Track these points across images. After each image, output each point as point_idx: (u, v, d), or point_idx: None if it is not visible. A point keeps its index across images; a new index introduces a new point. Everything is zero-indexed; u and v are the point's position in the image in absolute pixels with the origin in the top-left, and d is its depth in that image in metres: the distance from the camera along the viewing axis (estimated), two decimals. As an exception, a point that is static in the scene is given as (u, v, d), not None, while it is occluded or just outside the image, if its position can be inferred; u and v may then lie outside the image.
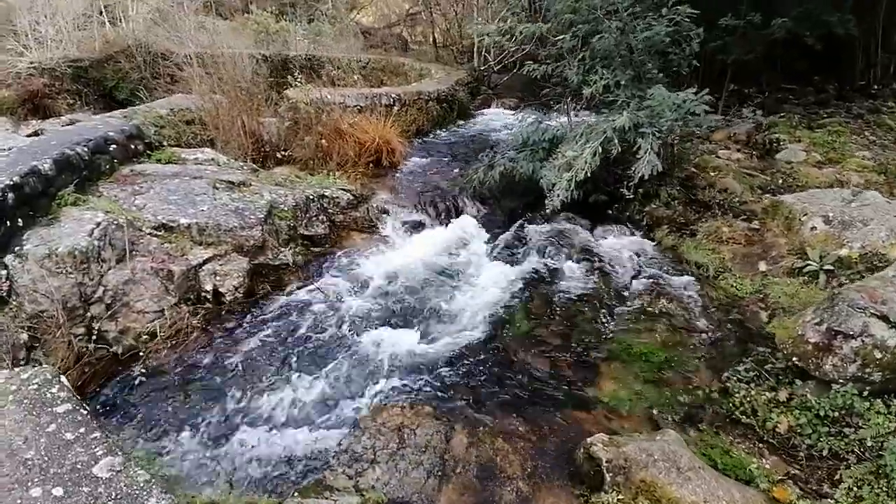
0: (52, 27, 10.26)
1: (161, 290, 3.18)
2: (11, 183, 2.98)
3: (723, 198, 4.99)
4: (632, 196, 4.20)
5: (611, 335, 3.39)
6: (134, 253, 3.17)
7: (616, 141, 4.11)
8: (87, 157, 3.53)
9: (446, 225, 4.90)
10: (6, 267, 2.75)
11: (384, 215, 4.91)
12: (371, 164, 5.86)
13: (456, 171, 6.06)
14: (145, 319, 3.09)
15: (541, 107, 8.92)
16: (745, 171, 5.74)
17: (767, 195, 5.13)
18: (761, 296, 3.78)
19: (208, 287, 3.39)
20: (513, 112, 9.46)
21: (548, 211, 4.63)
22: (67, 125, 9.36)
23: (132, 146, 4.06)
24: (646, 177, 3.97)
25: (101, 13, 11.59)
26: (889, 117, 6.91)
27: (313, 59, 10.71)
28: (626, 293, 3.77)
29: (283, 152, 5.68)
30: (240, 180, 4.11)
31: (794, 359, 2.72)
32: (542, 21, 5.37)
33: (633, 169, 4.02)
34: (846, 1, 6.77)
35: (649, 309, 3.56)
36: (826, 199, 4.33)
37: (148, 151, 4.22)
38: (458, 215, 5.13)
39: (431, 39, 13.14)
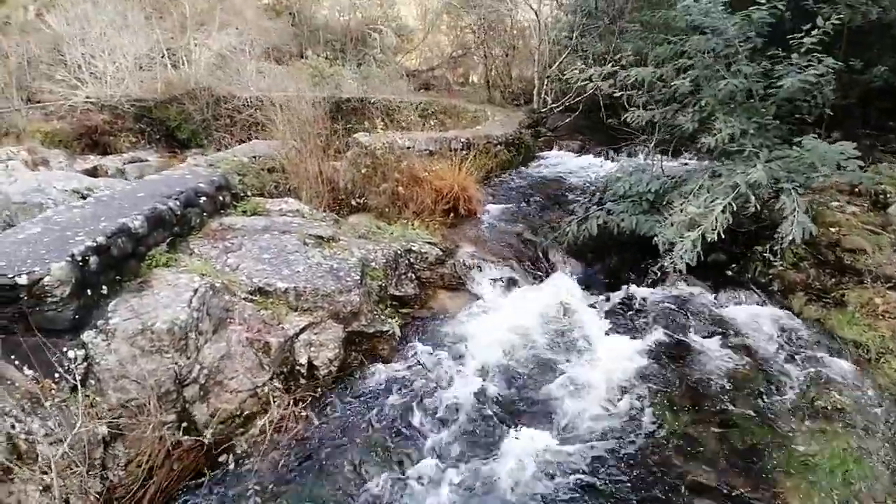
0: (111, 64, 10.46)
1: (256, 364, 2.78)
2: (95, 244, 2.59)
3: (856, 260, 4.40)
4: (775, 259, 3.66)
5: (780, 437, 2.78)
6: (229, 321, 2.80)
7: (753, 198, 3.61)
8: (179, 212, 3.23)
9: (541, 283, 4.43)
10: (84, 346, 2.35)
11: (472, 271, 4.49)
12: (448, 213, 5.50)
13: (538, 219, 5.65)
14: (237, 400, 2.68)
15: (609, 151, 8.58)
16: (865, 227, 5.13)
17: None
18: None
19: (303, 360, 2.97)
20: (575, 155, 9.13)
21: (661, 272, 4.14)
22: (129, 163, 9.44)
23: (220, 197, 3.78)
24: (797, 240, 3.44)
25: (163, 56, 11.95)
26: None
27: (367, 101, 10.73)
28: (782, 380, 3.17)
29: (357, 199, 5.39)
30: (328, 235, 3.77)
31: None
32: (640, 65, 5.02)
33: (780, 230, 3.50)
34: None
35: (818, 403, 2.95)
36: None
37: (234, 203, 3.95)
38: (552, 272, 4.66)
39: (484, 80, 13.07)
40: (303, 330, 3.00)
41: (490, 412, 3.01)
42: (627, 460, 2.70)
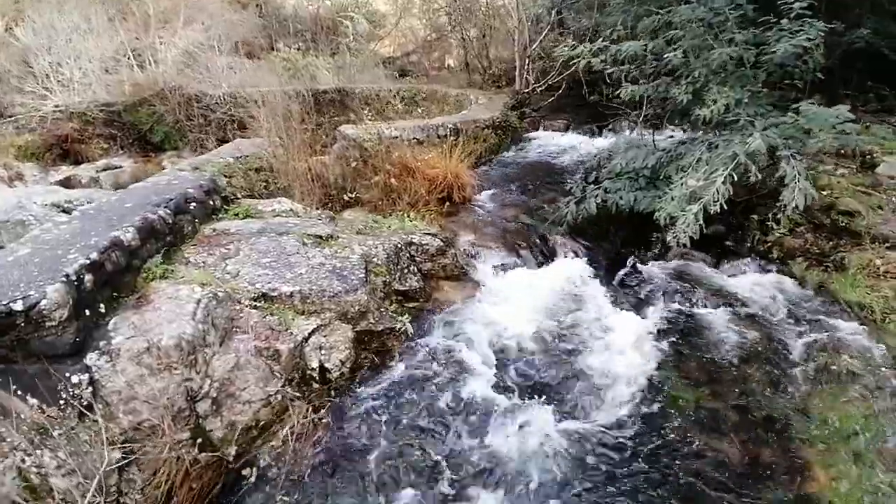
0: (77, 70, 10.07)
1: (266, 373, 2.69)
2: (89, 261, 2.46)
3: (851, 222, 4.44)
4: (777, 226, 3.67)
5: (798, 405, 2.82)
6: (234, 330, 2.70)
7: (753, 167, 3.60)
8: (170, 220, 3.09)
9: (545, 267, 4.39)
10: (88, 370, 2.23)
11: (473, 260, 4.43)
12: (442, 202, 5.41)
13: (533, 203, 5.59)
14: (251, 410, 2.60)
15: (595, 128, 8.56)
16: (856, 188, 5.19)
17: (890, 215, 4.59)
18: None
19: (314, 364, 2.89)
20: (561, 133, 9.09)
21: (663, 247, 4.15)
22: (103, 171, 9.14)
23: (210, 202, 3.63)
24: (800, 207, 3.44)
25: (128, 57, 11.50)
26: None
27: (345, 92, 10.51)
28: (793, 346, 3.21)
29: (349, 194, 5.26)
30: (327, 233, 3.66)
31: None
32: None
33: (783, 197, 3.49)
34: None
35: (833, 368, 2.98)
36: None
37: (224, 206, 3.80)
38: (553, 255, 4.63)
39: (463, 63, 12.87)
40: (311, 333, 2.92)
41: (508, 401, 2.98)
42: (649, 438, 2.70)
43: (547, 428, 2.78)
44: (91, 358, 2.28)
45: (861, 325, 3.37)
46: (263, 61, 13.11)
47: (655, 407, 2.86)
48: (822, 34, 3.88)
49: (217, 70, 11.07)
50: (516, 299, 3.90)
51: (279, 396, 2.69)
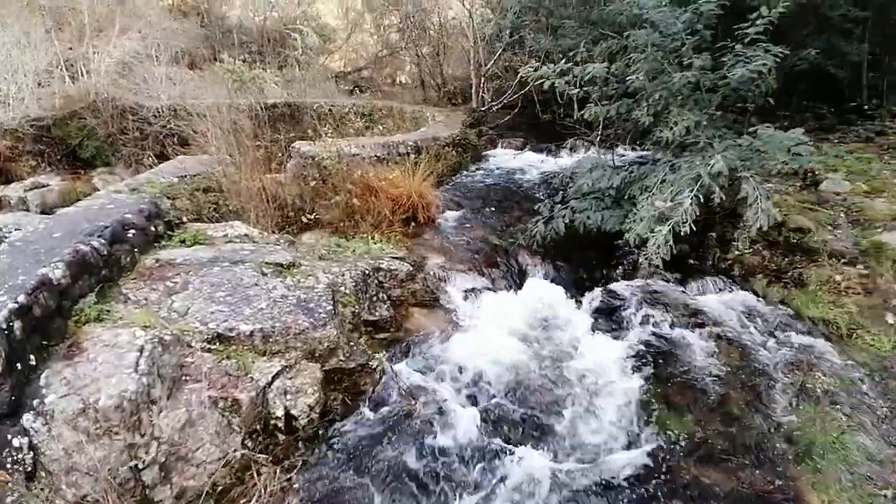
0: (13, 85, 9.32)
1: (224, 426, 2.37)
2: (17, 305, 2.10)
3: (802, 238, 4.64)
4: (742, 246, 3.74)
5: (780, 425, 2.81)
6: (184, 379, 2.36)
7: (717, 188, 3.66)
8: (105, 252, 2.69)
9: (517, 290, 4.27)
10: (27, 433, 1.88)
11: (444, 284, 4.24)
12: (407, 222, 5.21)
13: (499, 222, 5.51)
14: (206, 473, 2.26)
15: (552, 147, 8.68)
16: (803, 206, 5.46)
17: (839, 231, 4.84)
18: (900, 353, 3.35)
19: (279, 412, 2.59)
20: (518, 152, 9.16)
21: (631, 266, 4.15)
22: (30, 190, 8.38)
23: (152, 228, 3.23)
24: (764, 227, 3.53)
25: (61, 68, 10.66)
26: (897, 139, 6.89)
27: (296, 107, 10.18)
28: (768, 366, 3.23)
29: (308, 216, 4.95)
30: (288, 261, 3.37)
31: None
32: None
33: (745, 219, 3.57)
34: (856, 30, 6.86)
35: (809, 387, 3.02)
36: (924, 237, 4.02)
37: (168, 232, 3.41)
38: (524, 276, 4.53)
39: (418, 80, 12.82)
40: (275, 377, 2.62)
41: (487, 439, 2.80)
42: (636, 471, 2.60)
43: (528, 466, 2.62)
44: (27, 419, 1.92)
45: (827, 340, 3.47)
46: (207, 72, 12.48)
47: (642, 438, 2.78)
48: (778, 59, 4.03)
49: (155, 81, 10.44)
50: (490, 326, 3.74)
51: (238, 454, 2.37)
